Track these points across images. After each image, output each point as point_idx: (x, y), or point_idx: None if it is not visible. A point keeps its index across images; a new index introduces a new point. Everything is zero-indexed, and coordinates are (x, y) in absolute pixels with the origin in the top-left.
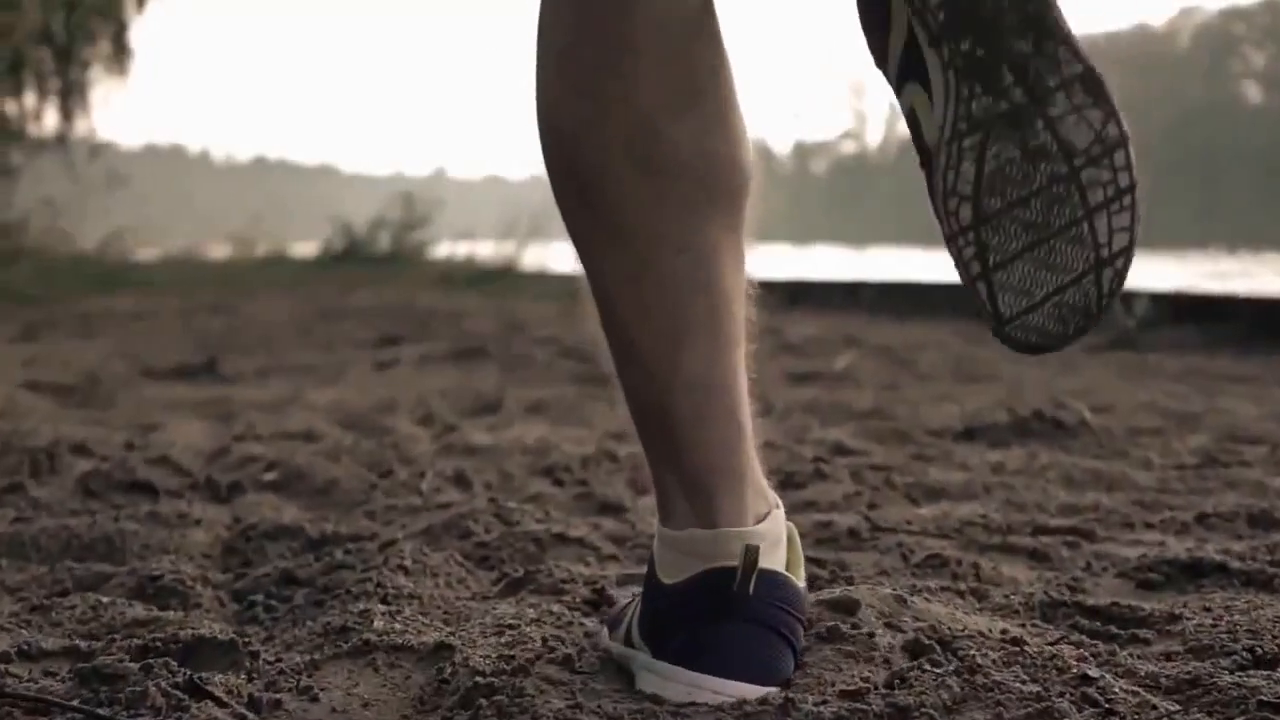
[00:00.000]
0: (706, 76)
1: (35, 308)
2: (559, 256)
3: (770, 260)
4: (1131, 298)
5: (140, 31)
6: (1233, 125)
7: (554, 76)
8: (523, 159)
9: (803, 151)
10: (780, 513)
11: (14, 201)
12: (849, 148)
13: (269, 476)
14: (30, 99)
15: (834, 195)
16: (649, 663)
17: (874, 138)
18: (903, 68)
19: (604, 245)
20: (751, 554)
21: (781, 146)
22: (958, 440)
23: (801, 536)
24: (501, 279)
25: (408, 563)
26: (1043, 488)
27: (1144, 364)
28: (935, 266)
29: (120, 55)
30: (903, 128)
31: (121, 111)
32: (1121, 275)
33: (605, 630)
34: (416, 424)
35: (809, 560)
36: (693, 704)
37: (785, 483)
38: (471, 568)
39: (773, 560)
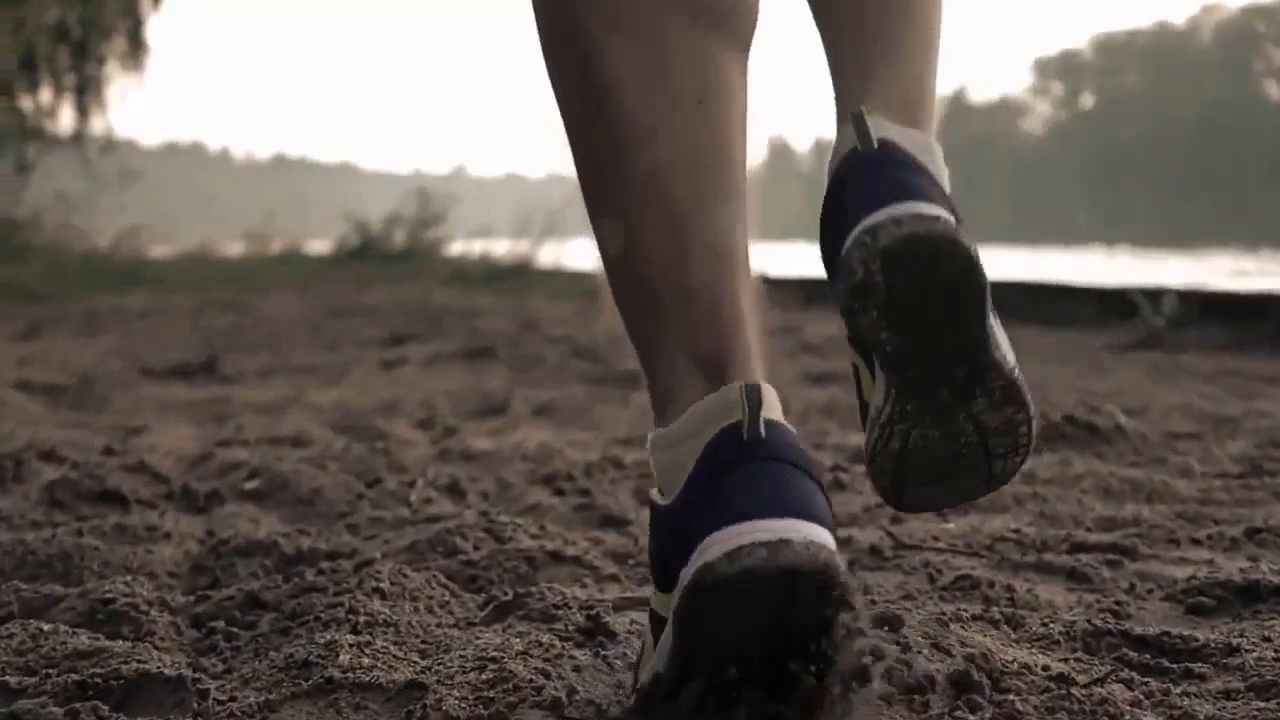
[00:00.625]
0: None
1: (43, 305)
2: (574, 254)
3: (788, 258)
4: (1159, 296)
5: (158, 28)
6: (1254, 123)
7: None
8: (541, 157)
9: (822, 149)
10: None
11: (27, 198)
12: None
13: (250, 485)
14: (46, 95)
15: None
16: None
17: None
18: (849, 337)
19: (624, 85)
20: (754, 393)
21: (800, 143)
22: None
23: None
24: (516, 277)
25: (385, 585)
26: (1078, 499)
27: (1174, 364)
28: None
29: (136, 51)
30: None
31: (141, 109)
32: (1006, 481)
33: (630, 679)
34: (415, 427)
35: None
36: (739, 549)
37: None
38: (456, 590)
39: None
